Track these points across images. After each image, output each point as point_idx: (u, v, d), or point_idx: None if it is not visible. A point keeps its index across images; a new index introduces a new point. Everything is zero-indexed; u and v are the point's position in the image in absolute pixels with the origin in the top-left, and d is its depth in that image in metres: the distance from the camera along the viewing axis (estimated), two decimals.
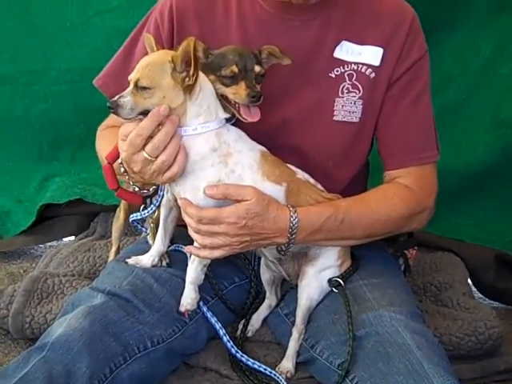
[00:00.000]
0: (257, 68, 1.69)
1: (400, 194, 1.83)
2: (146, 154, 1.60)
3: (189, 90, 1.61)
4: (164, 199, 1.82)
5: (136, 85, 1.58)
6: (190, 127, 1.64)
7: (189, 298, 1.76)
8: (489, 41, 2.58)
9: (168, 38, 1.86)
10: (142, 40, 1.87)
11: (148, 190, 1.82)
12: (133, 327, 1.69)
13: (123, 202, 2.07)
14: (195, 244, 1.70)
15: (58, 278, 2.18)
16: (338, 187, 1.88)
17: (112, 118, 1.97)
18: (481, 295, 2.52)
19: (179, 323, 1.79)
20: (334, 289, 1.79)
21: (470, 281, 2.43)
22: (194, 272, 1.74)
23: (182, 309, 1.76)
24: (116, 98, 1.59)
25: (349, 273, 1.84)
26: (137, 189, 1.79)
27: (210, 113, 1.66)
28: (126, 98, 1.58)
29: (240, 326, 1.93)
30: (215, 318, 1.81)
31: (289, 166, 1.77)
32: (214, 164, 1.65)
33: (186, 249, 1.74)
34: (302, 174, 1.79)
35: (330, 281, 1.80)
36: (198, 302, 1.78)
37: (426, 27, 2.41)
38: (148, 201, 1.84)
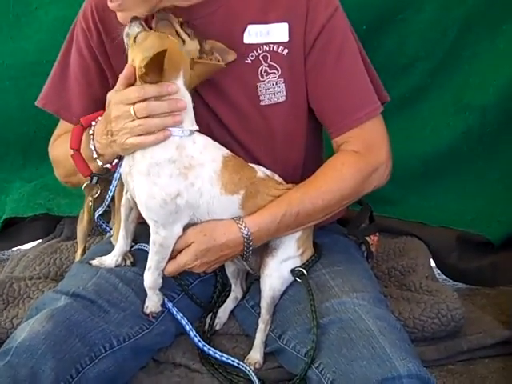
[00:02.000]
0: None
1: (348, 162, 1.82)
2: (132, 110, 1.62)
3: None
4: (123, 199, 1.83)
5: None
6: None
7: (152, 301, 1.77)
8: (456, 21, 2.51)
9: (97, 43, 1.88)
10: (74, 51, 1.91)
11: (110, 164, 1.80)
12: (98, 327, 1.69)
13: (86, 203, 2.07)
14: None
15: (24, 281, 2.17)
16: (294, 172, 1.90)
17: (63, 127, 1.99)
18: (445, 277, 2.56)
19: (146, 322, 1.79)
20: (297, 278, 1.81)
21: (433, 263, 2.47)
22: (150, 278, 1.75)
23: (147, 311, 1.77)
24: None
25: (311, 262, 1.86)
26: (100, 163, 1.78)
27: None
28: None
29: (207, 320, 1.95)
30: (181, 314, 1.82)
31: (250, 165, 1.79)
32: (172, 175, 1.66)
33: (166, 272, 1.78)
34: (262, 171, 1.80)
35: (293, 271, 1.82)
36: (161, 304, 1.79)
37: (393, 4, 2.46)
38: (94, 178, 1.83)
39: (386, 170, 1.88)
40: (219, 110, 1.85)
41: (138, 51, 1.65)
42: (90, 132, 1.76)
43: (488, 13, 2.49)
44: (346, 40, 1.84)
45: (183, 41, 1.71)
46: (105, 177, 1.83)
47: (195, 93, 1.79)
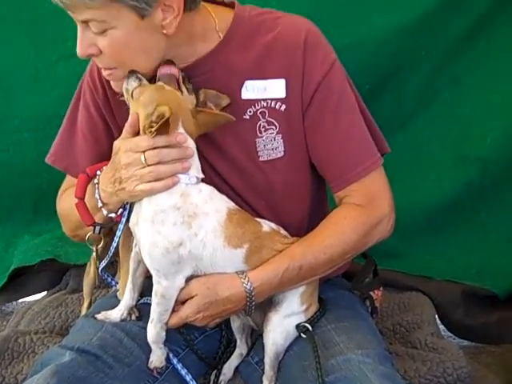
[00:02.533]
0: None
1: (350, 216, 1.83)
2: (143, 157, 1.65)
3: None
4: (132, 253, 1.84)
5: None
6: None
7: (155, 356, 1.77)
8: (448, 82, 2.63)
9: (104, 101, 1.93)
10: (81, 108, 1.96)
11: (115, 213, 1.82)
12: (102, 383, 1.68)
13: (93, 256, 2.08)
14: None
15: (29, 336, 2.17)
16: (299, 225, 1.91)
17: (68, 182, 2.03)
18: (450, 334, 2.55)
19: (150, 377, 1.78)
20: (302, 334, 1.80)
21: (438, 320, 2.46)
22: (153, 331, 1.75)
23: (151, 366, 1.77)
24: None
25: (316, 317, 1.85)
26: (105, 212, 1.80)
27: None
28: None
29: (212, 377, 1.93)
30: (185, 370, 1.81)
31: (256, 219, 1.80)
32: (176, 223, 1.67)
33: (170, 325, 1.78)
34: (267, 225, 1.81)
35: (297, 326, 1.81)
36: (165, 359, 1.78)
37: (391, 67, 2.60)
38: (97, 228, 1.84)
39: (389, 223, 1.88)
40: (219, 166, 1.87)
41: (138, 106, 1.70)
42: (95, 181, 1.79)
43: (480, 70, 2.61)
44: (344, 95, 1.85)
45: (181, 92, 1.75)
46: (108, 226, 1.85)
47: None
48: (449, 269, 2.62)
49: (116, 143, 1.74)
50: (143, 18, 1.66)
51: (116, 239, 1.85)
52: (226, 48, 1.82)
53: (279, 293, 1.81)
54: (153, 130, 1.62)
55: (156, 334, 1.75)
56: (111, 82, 1.81)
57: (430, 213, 2.70)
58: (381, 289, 2.19)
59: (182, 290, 1.73)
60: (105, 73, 1.78)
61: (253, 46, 1.82)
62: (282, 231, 1.85)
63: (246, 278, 1.73)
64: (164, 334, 1.76)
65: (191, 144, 1.71)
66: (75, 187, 1.82)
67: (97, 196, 1.78)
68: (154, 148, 1.66)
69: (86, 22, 1.66)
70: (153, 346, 1.76)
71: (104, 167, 1.80)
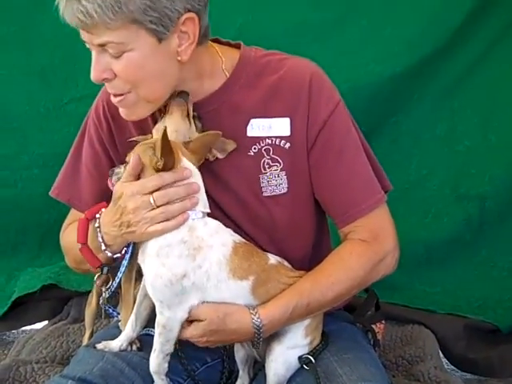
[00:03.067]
0: None
1: (355, 252, 1.84)
2: (152, 199, 1.66)
3: None
4: (140, 286, 1.84)
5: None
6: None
7: None
8: (443, 121, 2.74)
9: (108, 137, 1.96)
10: (86, 144, 2.00)
11: (120, 254, 1.83)
12: None
13: (95, 286, 2.08)
14: None
15: (30, 365, 2.17)
16: (302, 259, 1.92)
17: (73, 216, 2.05)
18: (453, 367, 2.53)
19: None
20: (304, 366, 1.80)
21: (441, 353, 2.45)
22: (155, 361, 1.74)
23: None
24: None
25: (319, 349, 1.84)
26: (109, 254, 1.81)
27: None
28: None
29: None
30: None
31: (262, 252, 1.81)
32: (181, 256, 1.68)
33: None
34: (273, 259, 1.81)
35: (300, 358, 1.81)
36: None
37: (386, 109, 2.72)
38: (105, 269, 1.86)
39: (394, 258, 1.89)
40: (222, 200, 1.89)
41: (139, 148, 1.72)
42: (96, 225, 1.79)
43: (475, 108, 2.71)
44: (348, 134, 1.89)
45: (189, 123, 1.79)
46: (115, 266, 1.86)
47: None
48: (451, 302, 2.63)
49: (117, 188, 1.74)
50: (160, 42, 1.69)
51: (119, 275, 1.86)
52: (232, 87, 1.86)
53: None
54: (159, 153, 1.64)
55: (158, 364, 1.74)
56: (120, 110, 1.83)
57: (431, 247, 2.75)
58: (383, 322, 2.19)
59: (193, 310, 1.72)
60: (116, 99, 1.80)
61: (258, 86, 1.86)
62: (286, 263, 1.85)
63: (257, 315, 1.73)
64: (166, 365, 1.75)
65: (197, 177, 1.73)
66: (76, 233, 1.82)
67: (100, 239, 1.79)
68: (161, 188, 1.68)
69: (102, 46, 1.68)
70: (155, 377, 1.75)
71: (103, 209, 1.81)
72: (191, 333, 1.74)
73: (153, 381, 1.77)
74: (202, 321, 1.72)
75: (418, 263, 2.69)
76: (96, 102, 2.00)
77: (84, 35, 1.69)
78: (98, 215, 1.80)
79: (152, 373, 1.75)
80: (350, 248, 1.86)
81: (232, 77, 1.86)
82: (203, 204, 1.74)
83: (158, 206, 1.67)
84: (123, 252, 1.82)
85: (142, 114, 1.82)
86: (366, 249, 1.85)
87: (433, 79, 2.72)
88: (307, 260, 1.94)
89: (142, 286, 1.84)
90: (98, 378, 1.73)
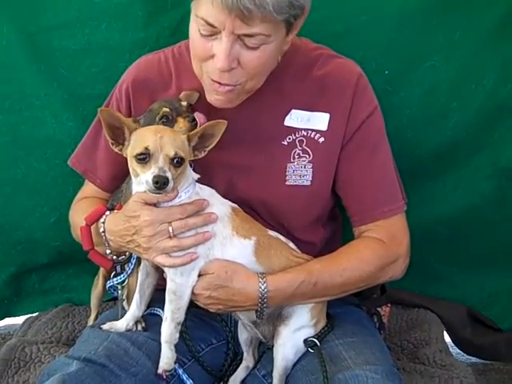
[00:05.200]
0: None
1: (371, 247, 1.88)
2: (171, 229, 1.68)
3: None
4: (141, 264, 1.86)
5: (172, 158, 1.62)
6: (177, 196, 1.71)
7: (165, 358, 1.76)
8: (491, 69, 2.21)
9: (126, 113, 1.96)
10: None
11: (124, 256, 1.89)
12: None
13: (102, 269, 2.10)
14: None
15: (35, 345, 2.17)
16: (309, 249, 1.91)
17: (86, 190, 2.08)
18: (459, 351, 2.53)
19: None
20: (309, 349, 1.80)
21: (447, 337, 2.44)
22: (167, 330, 1.75)
23: (160, 370, 1.76)
24: (159, 172, 1.59)
25: (324, 332, 1.85)
26: (114, 257, 1.87)
27: (189, 178, 1.73)
28: (168, 173, 1.61)
29: None
30: (191, 381, 1.80)
31: (261, 225, 1.83)
32: None
33: None
34: (273, 233, 1.84)
35: (305, 341, 1.81)
36: (174, 362, 1.77)
37: (418, 50, 2.18)
38: (118, 267, 1.89)
39: (404, 264, 1.93)
40: (242, 184, 1.90)
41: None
42: (101, 230, 1.80)
43: None
44: (382, 138, 1.93)
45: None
46: (127, 260, 1.89)
47: (219, 163, 1.87)
48: (453, 290, 2.53)
49: (134, 206, 1.72)
50: (287, 34, 1.73)
51: (131, 266, 1.89)
52: (281, 73, 1.88)
53: (289, 306, 1.81)
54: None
55: (170, 333, 1.75)
56: (215, 98, 1.80)
57: (454, 227, 2.42)
58: (388, 305, 2.19)
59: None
60: (222, 89, 1.76)
61: (306, 78, 1.89)
62: (291, 245, 1.86)
63: (264, 279, 1.75)
64: (177, 335, 1.76)
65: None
66: (81, 239, 1.84)
67: (105, 244, 1.82)
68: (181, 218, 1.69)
69: (244, 36, 1.66)
70: (164, 347, 1.76)
71: (107, 213, 1.82)
72: (197, 285, 1.75)
73: (158, 360, 1.77)
74: (208, 275, 1.74)
75: (439, 239, 2.43)
76: (123, 78, 2.01)
77: (226, 23, 1.63)
78: (102, 220, 1.81)
79: (163, 342, 1.76)
80: (366, 243, 1.89)
81: (282, 64, 1.88)
82: (192, 172, 1.75)
83: (174, 236, 1.69)
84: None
85: (237, 103, 1.83)
86: (381, 247, 1.87)
87: (480, 12, 2.15)
88: (317, 251, 1.94)
89: (143, 264, 1.85)
90: (103, 358, 1.74)
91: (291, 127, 1.89)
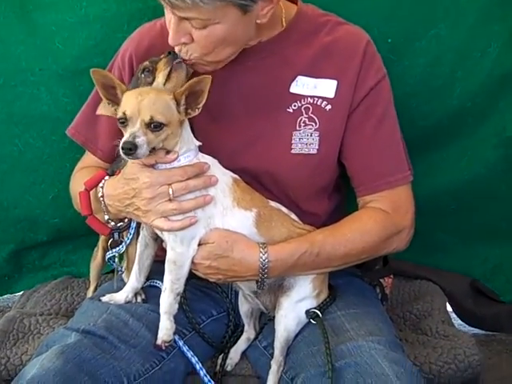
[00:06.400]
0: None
1: (375, 218, 1.85)
2: (171, 190, 1.65)
3: (181, 123, 1.66)
4: (140, 236, 1.84)
5: (148, 123, 1.58)
6: (177, 159, 1.68)
7: (164, 329, 1.75)
8: (497, 37, 2.16)
9: (129, 80, 1.91)
10: None
11: (122, 223, 1.85)
12: (108, 364, 1.67)
13: (101, 240, 2.08)
14: None
15: (34, 317, 2.16)
16: (313, 220, 1.89)
17: (86, 161, 2.05)
18: (461, 322, 2.53)
19: (156, 358, 1.77)
20: (311, 320, 1.79)
21: (449, 308, 2.44)
22: (166, 301, 1.73)
23: (159, 341, 1.75)
24: (129, 138, 1.56)
25: (326, 304, 1.84)
26: (112, 223, 1.84)
27: (188, 142, 1.70)
28: (140, 138, 1.57)
29: (219, 361, 1.91)
30: (191, 352, 1.80)
31: (262, 196, 1.80)
32: None
33: None
34: (275, 204, 1.81)
35: (307, 312, 1.80)
36: (173, 333, 1.76)
37: (422, 17, 2.14)
38: (116, 234, 1.86)
39: (408, 236, 1.91)
40: (247, 152, 1.86)
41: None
42: (100, 195, 1.78)
43: None
44: (389, 106, 1.90)
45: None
46: (125, 228, 1.86)
47: (222, 132, 1.84)
48: (456, 261, 2.51)
49: (132, 169, 1.70)
50: (245, 14, 1.68)
51: (129, 236, 1.86)
52: (286, 39, 1.85)
53: (290, 277, 1.80)
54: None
55: (169, 304, 1.73)
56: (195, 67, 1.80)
57: (459, 197, 2.40)
58: (391, 276, 2.18)
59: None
60: (192, 62, 1.77)
61: (312, 44, 1.86)
62: (293, 216, 1.84)
63: (266, 249, 1.73)
64: (177, 306, 1.75)
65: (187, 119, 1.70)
66: (80, 204, 1.81)
67: (103, 208, 1.79)
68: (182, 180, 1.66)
69: (185, 18, 1.65)
70: (163, 317, 1.74)
71: (106, 178, 1.79)
72: (197, 255, 1.73)
73: (157, 331, 1.75)
74: (208, 244, 1.72)
75: (443, 210, 2.40)
76: (125, 46, 1.97)
77: (165, 5, 1.65)
78: (101, 184, 1.78)
79: (162, 313, 1.74)
80: (370, 213, 1.86)
81: (287, 30, 1.85)
82: (192, 141, 1.72)
83: (174, 198, 1.66)
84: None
85: (217, 68, 1.80)
86: (386, 218, 1.85)
87: None
88: (321, 223, 1.91)
89: (141, 235, 1.83)
90: (103, 330, 1.73)
91: (297, 94, 1.85)
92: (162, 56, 1.79)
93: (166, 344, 1.75)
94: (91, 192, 1.80)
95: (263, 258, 1.72)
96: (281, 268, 1.75)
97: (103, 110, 1.81)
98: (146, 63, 1.79)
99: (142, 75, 1.78)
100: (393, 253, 1.96)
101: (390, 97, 1.90)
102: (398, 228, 1.86)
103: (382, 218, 1.85)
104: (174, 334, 1.77)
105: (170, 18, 1.69)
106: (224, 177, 1.74)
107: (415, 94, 2.16)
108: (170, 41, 1.71)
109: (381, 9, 2.13)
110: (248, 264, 1.73)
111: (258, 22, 1.74)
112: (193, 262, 1.73)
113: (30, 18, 2.22)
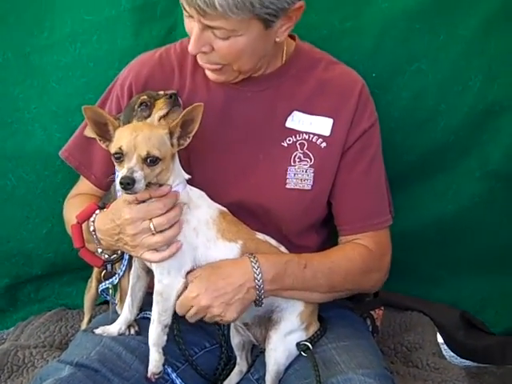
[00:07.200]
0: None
1: (358, 251, 1.90)
2: (152, 226, 1.67)
3: (173, 156, 1.70)
4: (132, 268, 1.85)
5: (145, 158, 1.61)
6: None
7: (154, 361, 1.76)
8: (477, 70, 2.21)
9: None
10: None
11: (116, 255, 1.88)
12: None
13: (95, 272, 2.09)
14: None
15: (28, 349, 2.17)
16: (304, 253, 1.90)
17: (80, 187, 2.06)
18: (452, 354, 2.53)
19: None
20: (302, 353, 1.80)
21: (441, 340, 2.45)
22: (154, 332, 1.75)
23: (149, 374, 1.76)
24: (127, 173, 1.58)
25: (317, 336, 1.85)
26: (106, 255, 1.86)
27: (179, 175, 1.74)
28: (138, 173, 1.59)
29: None
30: None
31: (249, 228, 1.82)
32: None
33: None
34: (262, 236, 1.83)
35: (298, 345, 1.81)
36: (164, 365, 1.77)
37: (404, 52, 2.21)
38: (109, 266, 1.88)
39: (384, 277, 1.97)
40: (241, 186, 1.89)
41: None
42: (91, 229, 1.80)
43: None
44: (378, 150, 1.95)
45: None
46: (118, 259, 1.88)
47: (218, 162, 1.87)
48: (445, 293, 2.53)
49: (117, 205, 1.73)
50: (267, 29, 1.73)
51: (122, 268, 1.88)
52: (285, 74, 1.90)
53: (278, 311, 1.81)
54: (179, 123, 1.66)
55: (157, 336, 1.75)
56: (208, 72, 1.85)
57: (444, 228, 2.42)
58: (382, 308, 2.19)
59: (188, 273, 1.73)
60: (210, 67, 1.82)
61: (309, 79, 1.91)
62: (282, 249, 1.86)
63: (255, 258, 1.74)
64: (165, 338, 1.76)
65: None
66: (72, 236, 1.83)
67: (96, 242, 1.81)
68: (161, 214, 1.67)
69: (210, 27, 1.69)
70: (153, 350, 1.76)
71: (97, 212, 1.81)
72: (191, 289, 1.73)
73: None
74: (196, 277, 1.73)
75: (430, 243, 2.43)
76: (124, 74, 2.00)
77: (192, 12, 1.68)
78: (92, 219, 1.80)
79: (150, 345, 1.76)
80: (354, 246, 1.91)
81: (286, 64, 1.91)
82: (181, 175, 1.74)
83: (157, 232, 1.68)
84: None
85: (230, 79, 1.85)
86: (369, 254, 1.90)
87: (464, 15, 2.16)
88: None
89: (134, 267, 1.84)
90: (96, 363, 1.73)
91: (292, 129, 1.89)
92: (162, 93, 1.83)
93: (156, 376, 1.76)
94: (83, 224, 1.82)
95: (253, 261, 1.74)
96: (273, 271, 1.75)
97: (91, 132, 1.82)
98: (145, 97, 1.83)
99: (139, 108, 1.82)
100: (369, 291, 2.02)
101: (379, 141, 1.96)
102: (378, 266, 1.92)
103: (364, 251, 1.90)
104: (167, 365, 1.78)
105: (191, 26, 1.73)
106: (209, 209, 1.76)
107: (400, 128, 2.21)
108: (191, 49, 1.75)
109: (365, 44, 2.20)
110: (240, 272, 1.74)
111: (277, 40, 1.79)
112: (191, 302, 1.73)
113: (28, 60, 2.30)
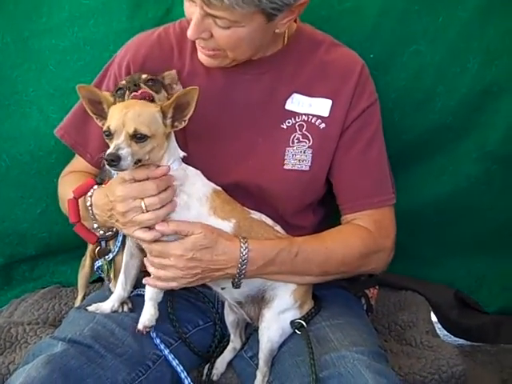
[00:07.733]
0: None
1: (357, 233, 1.88)
2: (143, 204, 1.66)
3: (167, 135, 1.68)
4: (126, 246, 1.85)
5: (132, 135, 1.60)
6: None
7: (148, 314, 1.77)
8: (476, 52, 2.21)
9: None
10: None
11: (111, 232, 1.88)
12: (94, 373, 1.68)
13: (89, 249, 2.09)
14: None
15: (22, 326, 2.16)
16: (300, 233, 1.89)
17: (75, 164, 2.05)
18: (446, 332, 2.54)
19: (143, 367, 1.78)
20: (296, 331, 1.80)
21: (435, 318, 2.45)
22: (152, 288, 1.76)
23: (140, 326, 1.77)
24: (112, 150, 1.58)
25: (311, 314, 1.85)
26: (101, 231, 1.86)
27: (175, 153, 1.72)
28: (124, 150, 1.58)
29: (205, 370, 1.93)
30: (177, 362, 1.80)
31: (244, 208, 1.81)
32: None
33: (144, 280, 1.78)
34: (258, 215, 1.82)
35: (292, 323, 1.81)
36: (156, 320, 1.77)
37: (403, 34, 2.20)
38: (103, 242, 1.89)
39: (389, 257, 1.94)
40: (239, 166, 1.89)
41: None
42: (88, 204, 1.79)
43: None
44: (378, 130, 1.94)
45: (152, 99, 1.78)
46: (112, 236, 1.89)
47: (216, 143, 1.87)
48: (441, 273, 2.53)
49: (113, 182, 1.73)
50: (268, 22, 1.72)
51: (118, 244, 1.89)
52: (286, 56, 1.90)
53: (271, 289, 1.81)
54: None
55: (155, 291, 1.76)
56: (201, 57, 1.84)
57: (442, 209, 2.43)
58: (376, 287, 2.19)
59: (189, 225, 1.71)
60: (206, 52, 1.81)
61: (309, 61, 1.90)
62: (278, 228, 1.86)
63: (245, 240, 1.74)
64: (161, 294, 1.77)
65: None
66: (68, 211, 1.81)
67: (91, 217, 1.80)
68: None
69: (212, 15, 1.68)
70: (148, 304, 1.77)
71: (95, 187, 1.80)
72: (178, 244, 1.71)
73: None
74: (195, 234, 1.71)
75: (426, 223, 2.44)
76: (121, 53, 1.98)
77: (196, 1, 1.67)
78: (89, 193, 1.79)
79: (147, 300, 1.77)
80: (353, 229, 1.90)
81: (287, 47, 1.90)
82: (177, 153, 1.73)
83: (147, 211, 1.67)
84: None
85: (223, 64, 1.84)
86: (368, 236, 1.88)
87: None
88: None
89: (127, 245, 1.84)
90: (89, 339, 1.74)
91: (292, 111, 1.89)
92: (144, 77, 1.81)
93: (147, 329, 1.77)
94: (80, 200, 1.81)
95: (243, 247, 1.73)
96: (260, 261, 1.76)
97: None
98: (123, 82, 1.81)
99: (117, 92, 1.80)
100: (371, 272, 1.99)
101: (379, 121, 1.95)
102: (378, 247, 1.90)
103: (364, 234, 1.88)
104: (160, 342, 1.79)
105: (192, 11, 1.71)
106: (203, 187, 1.75)
107: (397, 109, 2.20)
108: (190, 34, 1.74)
109: (364, 25, 2.19)
110: (229, 256, 1.73)
111: (277, 31, 1.79)
112: (176, 255, 1.72)
113: (27, 44, 2.33)
